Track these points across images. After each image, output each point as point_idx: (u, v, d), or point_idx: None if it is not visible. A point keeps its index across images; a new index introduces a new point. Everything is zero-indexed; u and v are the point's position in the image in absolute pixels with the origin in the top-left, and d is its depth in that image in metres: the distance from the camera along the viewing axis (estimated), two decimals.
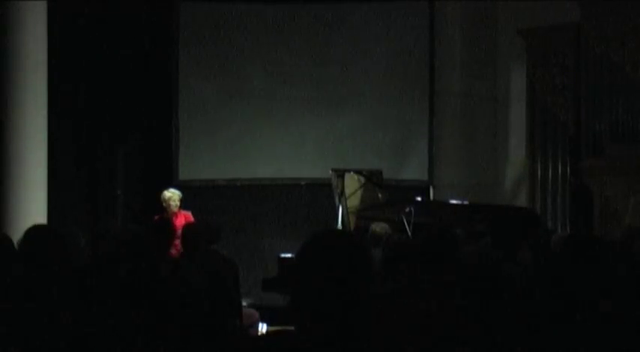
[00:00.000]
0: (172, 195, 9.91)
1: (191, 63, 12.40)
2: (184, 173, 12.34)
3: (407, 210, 8.89)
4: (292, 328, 2.24)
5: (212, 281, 6.44)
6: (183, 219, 9.59)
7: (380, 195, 9.78)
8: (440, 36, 12.22)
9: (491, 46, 12.18)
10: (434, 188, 12.22)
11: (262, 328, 8.62)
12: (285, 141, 12.44)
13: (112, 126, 12.07)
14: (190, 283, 3.42)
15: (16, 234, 4.75)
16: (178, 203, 9.90)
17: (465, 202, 10.01)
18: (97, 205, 11.92)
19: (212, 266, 6.85)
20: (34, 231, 4.22)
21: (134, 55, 12.12)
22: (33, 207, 9.90)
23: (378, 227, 7.86)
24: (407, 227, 8.74)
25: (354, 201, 9.70)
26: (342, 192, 9.58)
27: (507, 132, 12.21)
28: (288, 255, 9.37)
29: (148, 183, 12.17)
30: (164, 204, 9.88)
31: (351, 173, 9.83)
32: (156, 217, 9.75)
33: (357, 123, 12.43)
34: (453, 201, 10.16)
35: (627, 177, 10.45)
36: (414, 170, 12.42)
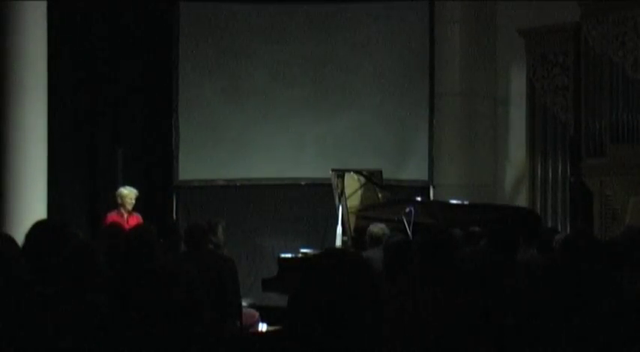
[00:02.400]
0: (130, 192, 9.98)
1: (191, 63, 12.40)
2: (184, 173, 12.35)
3: (407, 210, 8.89)
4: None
5: (211, 281, 6.44)
6: (135, 220, 9.69)
7: (380, 195, 9.78)
8: (440, 36, 12.22)
9: (491, 46, 12.18)
10: (434, 188, 12.22)
11: (262, 328, 8.62)
12: (285, 141, 12.44)
13: (112, 126, 12.07)
14: (189, 283, 3.41)
15: (16, 234, 4.74)
16: (134, 202, 9.97)
17: (465, 202, 10.02)
18: (97, 205, 11.91)
19: (211, 266, 6.85)
20: (40, 226, 4.22)
21: (134, 54, 12.13)
22: (33, 207, 9.90)
23: (376, 228, 7.85)
24: (407, 227, 8.74)
25: (354, 201, 9.70)
26: (342, 192, 9.58)
27: (507, 132, 12.22)
28: (288, 255, 9.37)
29: (148, 183, 12.17)
30: (119, 201, 9.94)
31: (351, 173, 9.83)
32: (109, 214, 9.85)
33: (357, 123, 12.43)
34: (453, 201, 10.16)
35: (627, 177, 10.45)
36: (414, 170, 12.42)
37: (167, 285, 3.21)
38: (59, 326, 3.40)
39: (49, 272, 3.79)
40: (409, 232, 8.61)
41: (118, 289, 3.55)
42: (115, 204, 10.05)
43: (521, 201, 11.62)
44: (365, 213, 9.53)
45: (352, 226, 9.56)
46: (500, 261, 4.52)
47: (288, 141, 12.44)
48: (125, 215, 9.84)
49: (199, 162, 12.36)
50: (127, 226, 8.38)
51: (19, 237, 4.46)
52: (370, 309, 2.19)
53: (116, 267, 4.16)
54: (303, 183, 12.37)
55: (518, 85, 11.90)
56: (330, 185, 9.97)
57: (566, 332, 3.45)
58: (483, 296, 4.11)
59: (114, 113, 12.07)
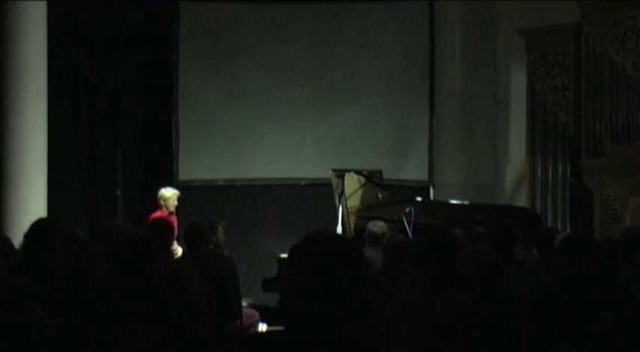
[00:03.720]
0: (173, 194, 9.99)
1: (191, 63, 12.40)
2: (184, 173, 12.34)
3: (407, 210, 8.89)
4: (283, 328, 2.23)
5: (211, 281, 6.44)
6: (175, 221, 9.68)
7: (380, 195, 9.78)
8: (440, 36, 12.22)
9: (491, 46, 12.18)
10: (434, 188, 12.21)
11: (262, 328, 8.63)
12: (285, 141, 12.43)
13: (112, 126, 12.06)
14: (189, 283, 3.42)
15: (16, 234, 4.74)
16: (177, 203, 10.00)
17: (465, 202, 10.01)
18: (97, 205, 11.91)
19: (211, 266, 6.85)
20: (39, 225, 4.21)
21: (134, 55, 12.12)
22: (33, 207, 9.89)
23: (376, 226, 7.83)
24: (407, 227, 8.74)
25: (354, 201, 9.69)
26: (342, 192, 9.57)
27: (507, 132, 12.21)
28: None
29: (148, 183, 12.16)
30: (162, 202, 9.92)
31: (351, 173, 9.82)
32: (154, 214, 9.82)
33: (357, 123, 12.43)
34: (453, 201, 10.16)
35: (627, 177, 10.44)
36: (414, 170, 12.41)
37: (167, 286, 3.21)
38: (57, 326, 3.40)
39: (47, 271, 3.79)
40: (409, 232, 8.61)
41: (117, 289, 3.55)
42: (157, 204, 9.99)
43: (521, 201, 11.61)
44: (365, 213, 9.52)
45: (352, 226, 9.55)
46: (501, 261, 4.52)
47: (288, 141, 12.44)
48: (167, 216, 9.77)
49: (199, 162, 12.35)
50: None
51: (19, 237, 4.46)
52: (359, 288, 2.19)
53: (115, 268, 4.16)
54: (303, 183, 12.37)
55: (518, 85, 11.89)
56: (330, 185, 9.96)
57: (568, 333, 3.45)
58: (484, 297, 4.10)
59: (114, 113, 12.07)
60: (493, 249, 5.09)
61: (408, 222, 8.78)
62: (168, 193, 9.99)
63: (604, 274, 3.63)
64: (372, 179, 9.85)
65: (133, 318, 3.23)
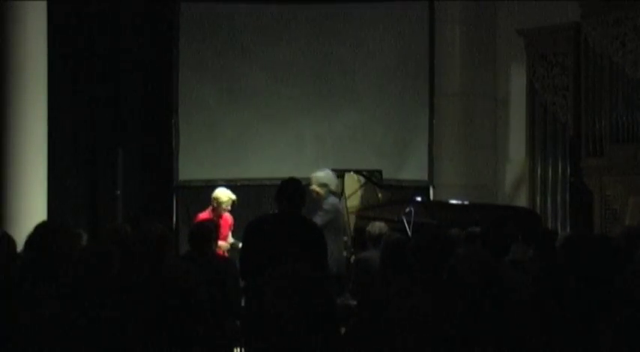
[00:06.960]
0: (229, 200, 9.80)
1: (191, 63, 12.40)
2: (184, 173, 12.34)
3: (407, 210, 8.89)
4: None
5: (212, 281, 6.45)
6: (225, 220, 9.70)
7: (380, 195, 9.78)
8: (440, 36, 12.22)
9: (491, 46, 12.18)
10: (434, 188, 12.22)
11: None
12: (284, 141, 12.43)
13: (112, 127, 12.06)
14: (193, 283, 3.42)
15: (16, 234, 4.74)
16: (229, 208, 9.85)
17: (465, 202, 10.02)
18: (97, 205, 11.91)
19: (212, 266, 6.86)
20: (42, 228, 4.21)
21: (134, 54, 12.12)
22: (33, 207, 9.90)
23: (374, 227, 7.83)
24: (407, 227, 8.74)
25: (354, 201, 9.69)
26: (342, 192, 9.57)
27: (507, 132, 12.22)
28: None
29: (147, 183, 12.16)
30: (215, 204, 9.81)
31: (351, 173, 9.82)
32: (203, 215, 9.76)
33: (357, 123, 12.43)
34: (453, 201, 10.16)
35: (627, 177, 10.45)
36: (414, 170, 12.41)
37: (170, 286, 3.21)
38: (60, 326, 3.40)
39: (50, 273, 3.79)
40: (409, 232, 8.61)
41: (123, 290, 3.55)
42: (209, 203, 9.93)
43: (521, 201, 11.62)
44: (365, 213, 9.53)
45: (352, 226, 9.55)
46: (497, 262, 4.52)
47: (287, 141, 12.44)
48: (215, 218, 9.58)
49: (199, 162, 12.34)
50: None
51: (19, 238, 4.46)
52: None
53: (123, 267, 4.17)
54: (303, 183, 12.35)
55: (518, 85, 11.90)
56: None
57: (568, 332, 3.45)
58: (480, 298, 4.10)
59: (114, 113, 12.07)
60: (487, 250, 5.09)
61: (408, 222, 8.78)
62: (224, 197, 9.73)
63: (604, 273, 3.63)
64: (372, 179, 9.85)
65: (135, 319, 3.23)
